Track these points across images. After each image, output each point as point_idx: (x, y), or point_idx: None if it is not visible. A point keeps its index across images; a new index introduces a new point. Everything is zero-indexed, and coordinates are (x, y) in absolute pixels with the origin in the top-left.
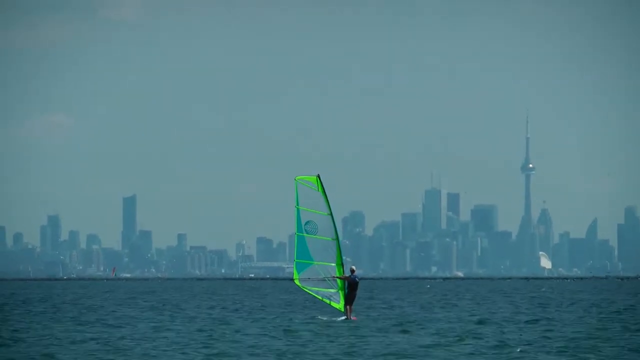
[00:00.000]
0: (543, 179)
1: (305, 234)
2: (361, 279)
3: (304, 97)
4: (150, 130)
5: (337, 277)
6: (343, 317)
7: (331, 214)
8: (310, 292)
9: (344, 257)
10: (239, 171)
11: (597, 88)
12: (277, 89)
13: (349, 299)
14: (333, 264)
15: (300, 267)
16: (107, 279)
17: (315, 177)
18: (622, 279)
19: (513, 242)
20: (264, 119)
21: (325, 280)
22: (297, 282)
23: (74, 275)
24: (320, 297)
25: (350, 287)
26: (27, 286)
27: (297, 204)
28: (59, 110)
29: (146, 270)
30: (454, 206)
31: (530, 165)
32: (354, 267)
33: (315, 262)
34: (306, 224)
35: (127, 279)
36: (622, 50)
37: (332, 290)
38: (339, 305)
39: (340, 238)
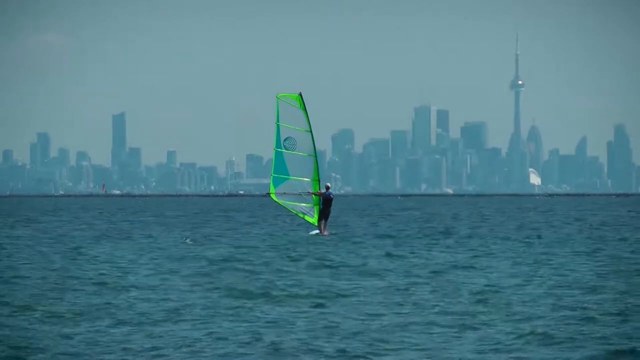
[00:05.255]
0: (532, 96)
1: (284, 150)
2: (334, 195)
3: (295, 15)
4: (139, 48)
5: (312, 193)
6: (316, 232)
7: (311, 131)
8: (285, 206)
9: (333, 174)
10: (229, 89)
11: (588, 4)
12: (265, 7)
13: (323, 215)
14: (309, 180)
15: (277, 182)
16: (97, 196)
17: (297, 95)
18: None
19: (503, 159)
20: (256, 37)
21: (301, 195)
22: (273, 196)
23: (62, 192)
24: (295, 212)
25: (325, 203)
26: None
27: (277, 121)
28: (50, 28)
29: (135, 186)
30: (444, 123)
31: (520, 82)
32: (329, 184)
33: (292, 177)
34: (285, 140)
35: (116, 196)
36: None
37: (307, 205)
38: (313, 219)
39: (330, 155)
